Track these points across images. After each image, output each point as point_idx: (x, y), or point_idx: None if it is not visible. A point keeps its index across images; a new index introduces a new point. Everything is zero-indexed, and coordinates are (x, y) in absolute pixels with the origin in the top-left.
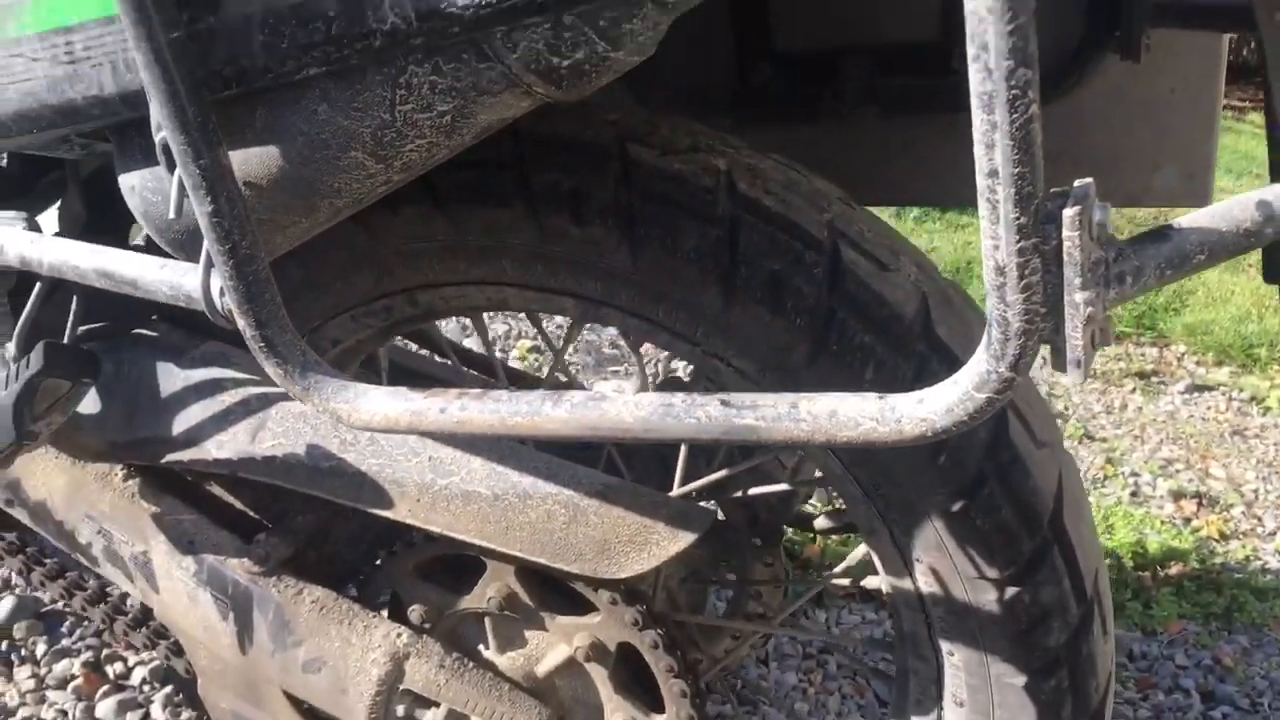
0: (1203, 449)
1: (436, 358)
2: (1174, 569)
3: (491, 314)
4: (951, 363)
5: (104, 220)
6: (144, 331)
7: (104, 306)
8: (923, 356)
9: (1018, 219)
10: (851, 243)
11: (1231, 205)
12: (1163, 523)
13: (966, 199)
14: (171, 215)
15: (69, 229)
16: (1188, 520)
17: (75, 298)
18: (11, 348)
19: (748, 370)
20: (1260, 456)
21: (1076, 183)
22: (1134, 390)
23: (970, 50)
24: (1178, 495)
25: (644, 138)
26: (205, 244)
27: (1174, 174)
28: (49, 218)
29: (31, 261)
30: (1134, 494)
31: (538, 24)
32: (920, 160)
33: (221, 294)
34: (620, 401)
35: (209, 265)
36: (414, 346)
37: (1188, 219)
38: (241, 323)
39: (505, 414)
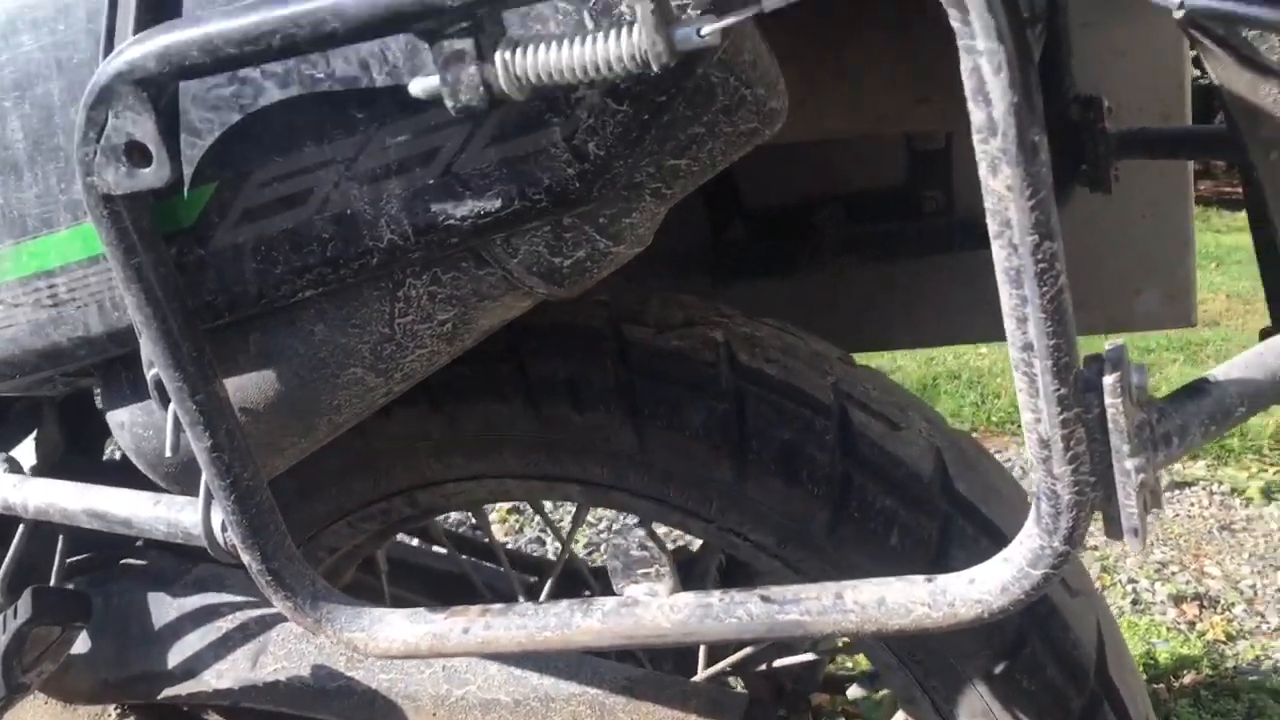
0: (1194, 548)
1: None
2: (1187, 678)
3: None
4: (975, 519)
5: (81, 443)
6: (132, 561)
7: (89, 537)
8: (946, 514)
9: (1058, 391)
10: (859, 404)
11: (1264, 353)
12: (1168, 629)
13: (948, 338)
14: (169, 453)
15: (45, 459)
16: (1192, 624)
17: (61, 536)
18: None
19: (766, 543)
20: (1251, 550)
21: (1108, 346)
22: None
23: (993, 227)
24: (1178, 599)
25: (637, 316)
26: (204, 479)
27: (1155, 297)
28: (25, 450)
29: (15, 506)
30: (1134, 602)
31: (537, 228)
32: (902, 303)
33: (224, 528)
34: (655, 606)
35: (209, 500)
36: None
37: (1222, 370)
38: (247, 558)
39: (533, 629)
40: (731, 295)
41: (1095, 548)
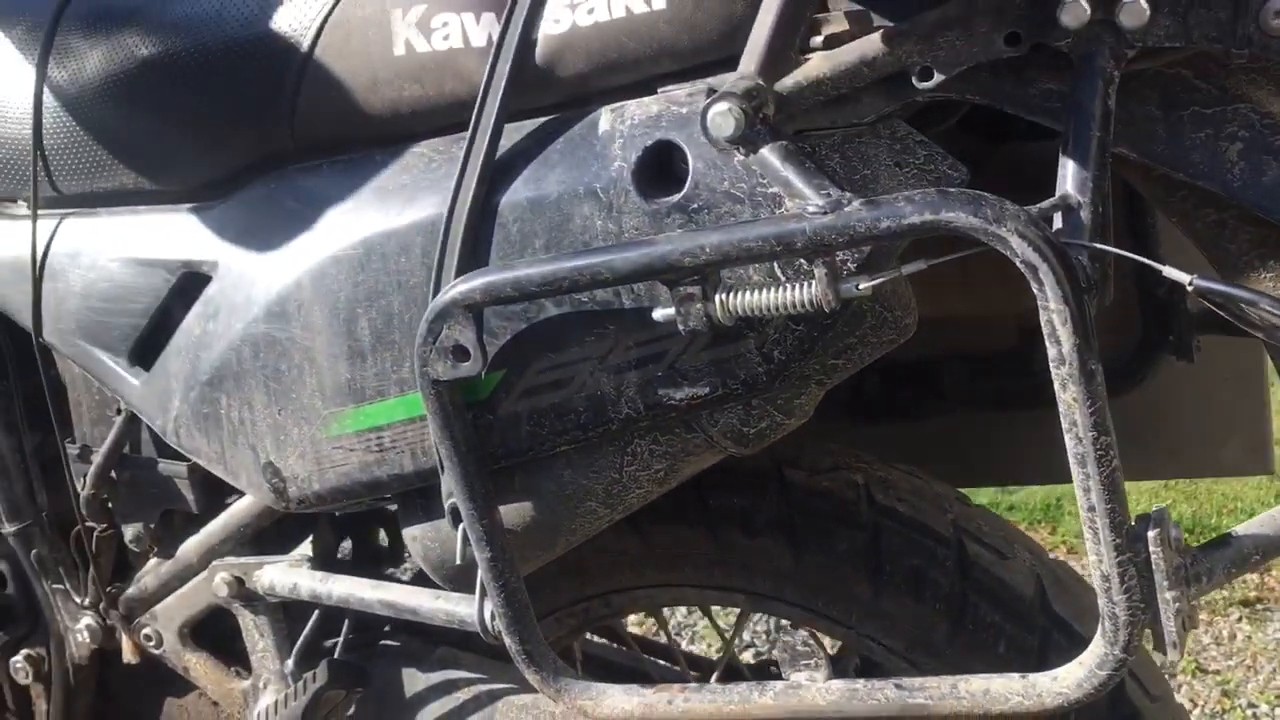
0: None
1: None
2: None
3: None
4: (1069, 633)
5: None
6: (389, 642)
7: (343, 619)
8: (1044, 630)
9: (1114, 540)
10: (973, 537)
11: (1276, 514)
12: None
13: (1050, 477)
14: (458, 561)
15: (320, 557)
16: None
17: (347, 620)
18: (290, 664)
19: (896, 648)
20: None
21: (1154, 508)
22: (1240, 619)
23: (1064, 424)
24: None
25: (794, 460)
26: (480, 580)
27: (1239, 448)
28: (305, 549)
29: (321, 596)
30: None
31: (733, 406)
32: (1009, 448)
33: (492, 618)
34: (814, 689)
35: (483, 596)
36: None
37: (1243, 527)
38: (508, 640)
39: (722, 703)
40: (868, 436)
41: (1218, 672)
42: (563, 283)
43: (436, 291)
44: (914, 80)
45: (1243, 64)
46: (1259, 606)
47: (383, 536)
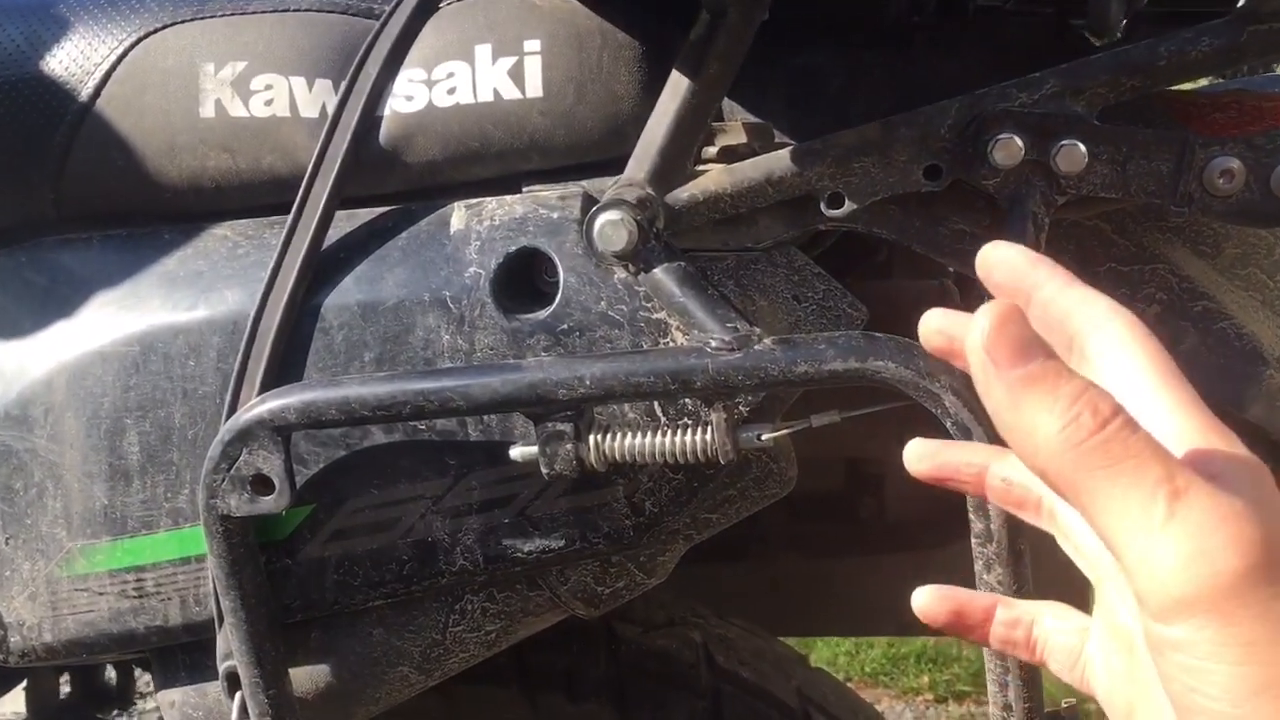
0: None
1: None
2: None
3: None
4: None
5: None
6: None
7: None
8: None
9: None
10: (818, 707)
11: None
12: None
13: (869, 630)
14: None
15: (35, 708)
16: None
17: None
18: None
19: None
20: None
21: (1064, 704)
22: None
23: None
24: None
25: (624, 614)
26: None
27: None
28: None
29: None
30: None
31: (588, 563)
32: (833, 596)
33: None
34: None
35: None
36: None
37: None
38: None
39: None
40: (687, 575)
41: None
42: (403, 408)
43: (235, 407)
44: (823, 206)
45: (1162, 223)
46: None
47: (110, 675)
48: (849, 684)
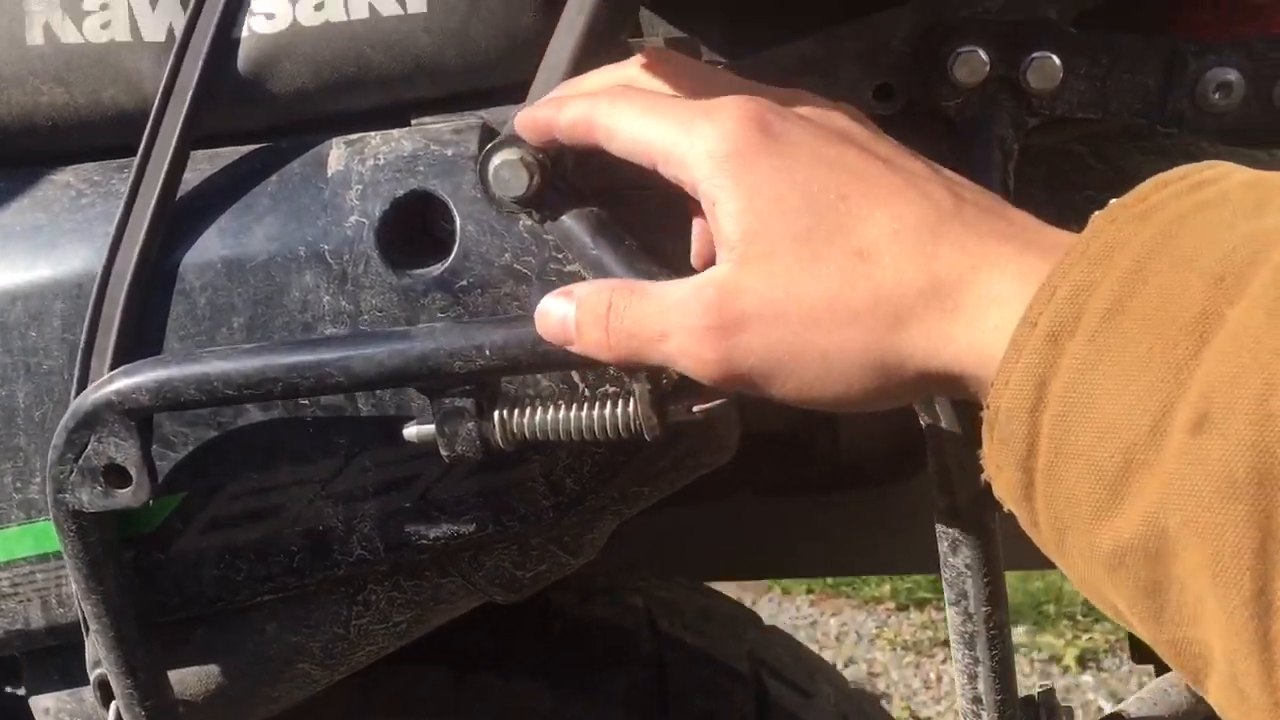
0: None
1: None
2: None
3: None
4: None
5: None
6: None
7: None
8: None
9: None
10: (773, 671)
11: (1163, 685)
12: None
13: (832, 570)
14: None
15: None
16: None
17: None
18: None
19: None
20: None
21: (1039, 687)
22: (944, 660)
23: (949, 595)
24: None
25: (560, 580)
26: None
27: None
28: None
29: None
30: None
31: (505, 547)
32: (790, 537)
33: None
34: None
35: None
36: None
37: (1133, 704)
38: None
39: None
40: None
41: (929, 718)
42: (274, 386)
43: (84, 384)
44: None
45: (1145, 143)
46: None
47: None
48: (810, 595)
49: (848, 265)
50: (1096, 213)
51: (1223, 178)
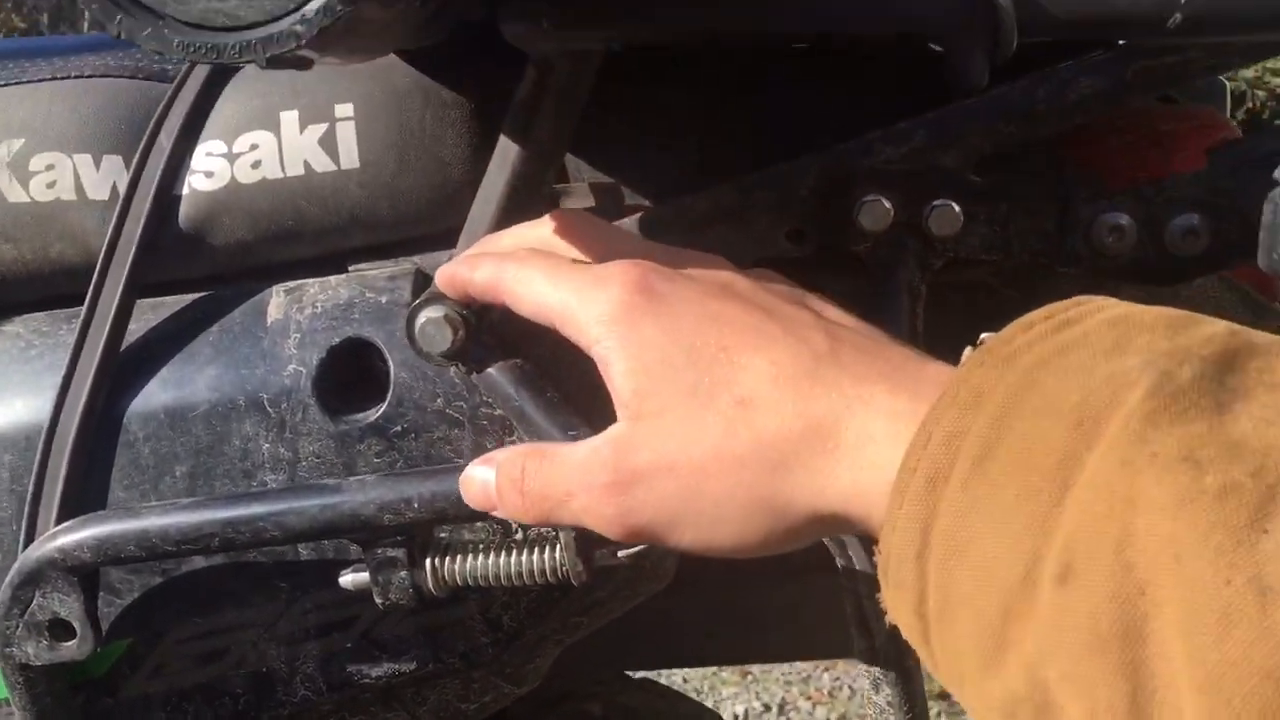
0: None
1: None
2: None
3: None
4: None
5: None
6: None
7: None
8: None
9: None
10: None
11: None
12: None
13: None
14: None
15: None
16: None
17: None
18: None
19: None
20: None
21: None
22: (940, 714)
23: None
24: None
25: None
26: None
27: None
28: None
29: None
30: None
31: (448, 681)
32: (766, 622)
33: None
34: None
35: None
36: None
37: None
38: None
39: None
40: None
41: None
42: (210, 541)
43: (32, 535)
44: None
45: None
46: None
47: None
48: None
49: (731, 414)
50: (969, 351)
51: (1087, 316)
